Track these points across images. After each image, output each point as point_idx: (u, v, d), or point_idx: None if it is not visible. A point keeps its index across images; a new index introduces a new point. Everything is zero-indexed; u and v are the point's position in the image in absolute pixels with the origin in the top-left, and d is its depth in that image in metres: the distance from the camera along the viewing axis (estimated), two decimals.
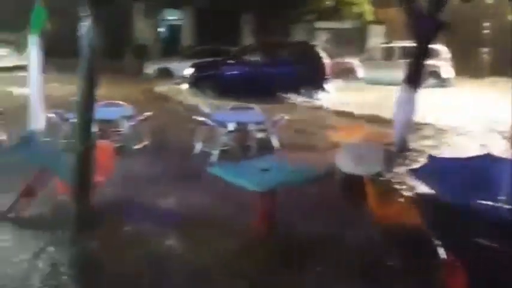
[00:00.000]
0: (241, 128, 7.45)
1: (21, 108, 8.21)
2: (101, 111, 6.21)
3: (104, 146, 5.20)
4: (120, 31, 19.98)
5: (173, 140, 8.16)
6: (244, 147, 7.32)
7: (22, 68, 16.08)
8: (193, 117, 7.37)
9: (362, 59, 18.79)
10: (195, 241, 4.43)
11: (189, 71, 14.67)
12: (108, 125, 7.40)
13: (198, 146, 7.25)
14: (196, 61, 15.27)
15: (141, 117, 7.77)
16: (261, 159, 5.22)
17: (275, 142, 7.39)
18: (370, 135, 7.00)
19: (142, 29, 23.68)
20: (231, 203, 5.15)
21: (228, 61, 14.30)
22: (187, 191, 5.68)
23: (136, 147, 7.43)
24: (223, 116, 7.84)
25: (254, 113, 8.36)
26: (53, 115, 7.49)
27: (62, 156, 5.07)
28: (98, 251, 4.24)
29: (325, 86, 13.66)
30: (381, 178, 5.15)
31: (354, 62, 18.79)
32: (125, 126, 7.50)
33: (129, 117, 7.70)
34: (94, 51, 4.20)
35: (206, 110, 8.43)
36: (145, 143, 7.66)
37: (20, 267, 3.87)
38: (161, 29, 24.49)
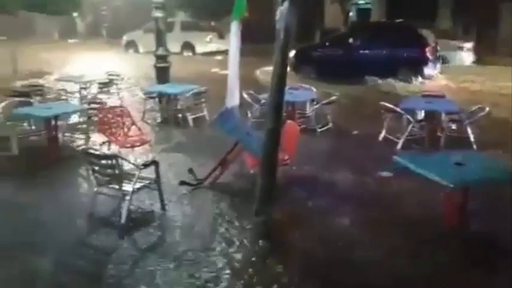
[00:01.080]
0: (432, 116, 6.91)
1: (220, 88, 9.08)
2: (289, 94, 6.49)
3: (290, 127, 5.42)
4: (312, 15, 20.41)
5: (357, 125, 8.02)
6: (434, 138, 6.78)
7: (220, 52, 17.89)
8: (381, 103, 7.11)
9: None
10: (372, 226, 4.36)
11: (290, 54, 14.45)
12: (295, 106, 7.68)
13: (384, 133, 7.01)
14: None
15: (326, 101, 7.85)
16: (454, 152, 4.75)
17: (470, 135, 6.66)
18: None
19: (332, 13, 23.78)
20: (416, 193, 4.90)
21: (326, 44, 14.15)
22: (369, 177, 5.59)
23: (320, 129, 7.55)
24: (413, 103, 7.41)
25: (447, 101, 7.68)
26: (247, 96, 8.08)
27: (253, 133, 5.47)
28: (279, 223, 4.49)
29: (426, 70, 12.51)
30: None
31: None
32: (310, 109, 7.69)
33: (314, 101, 7.90)
34: (289, 35, 4.34)
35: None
36: (329, 125, 7.73)
37: (209, 228, 4.37)
38: (351, 13, 24.23)
